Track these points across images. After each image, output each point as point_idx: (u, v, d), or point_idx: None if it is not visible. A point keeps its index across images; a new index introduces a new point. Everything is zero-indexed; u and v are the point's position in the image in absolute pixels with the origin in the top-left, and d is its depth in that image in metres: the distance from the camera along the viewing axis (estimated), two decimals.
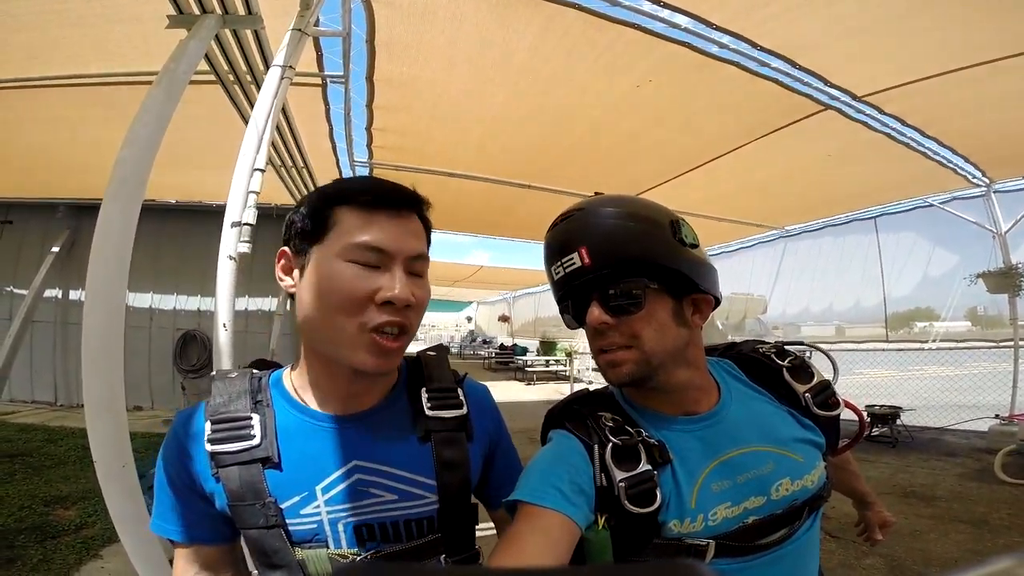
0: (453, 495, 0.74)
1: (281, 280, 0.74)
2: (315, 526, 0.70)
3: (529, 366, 14.55)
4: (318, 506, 0.70)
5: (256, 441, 0.69)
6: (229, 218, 2.09)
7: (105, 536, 3.28)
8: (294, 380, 0.77)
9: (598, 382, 0.92)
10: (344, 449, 0.73)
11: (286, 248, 0.74)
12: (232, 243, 2.08)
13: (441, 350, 0.88)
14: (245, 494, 0.68)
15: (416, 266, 0.72)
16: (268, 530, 0.68)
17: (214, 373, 0.79)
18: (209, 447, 0.69)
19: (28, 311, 7.10)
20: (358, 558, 0.70)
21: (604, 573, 0.35)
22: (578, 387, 1.00)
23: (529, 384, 12.71)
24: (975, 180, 6.12)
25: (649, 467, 0.71)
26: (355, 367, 0.68)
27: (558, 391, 11.29)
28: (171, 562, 2.22)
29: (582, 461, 0.73)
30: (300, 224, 0.72)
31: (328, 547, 0.70)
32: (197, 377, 7.54)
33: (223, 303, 2.07)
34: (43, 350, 7.75)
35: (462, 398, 0.81)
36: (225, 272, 2.09)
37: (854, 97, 3.95)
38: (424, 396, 0.79)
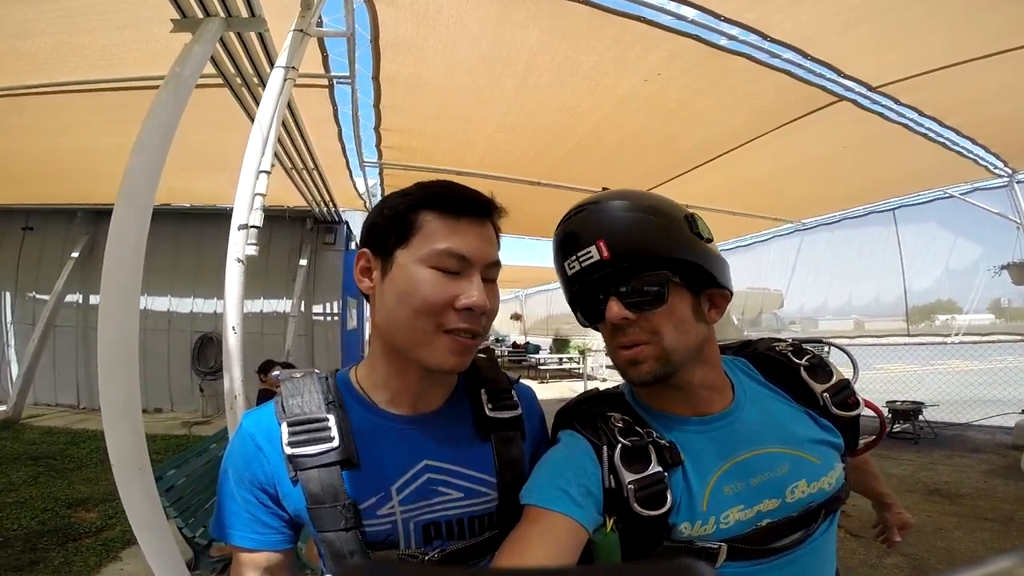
0: (511, 492, 0.73)
1: (359, 281, 0.75)
2: (390, 526, 0.70)
3: (542, 364, 14.54)
4: (393, 506, 0.71)
5: (335, 443, 0.70)
6: (236, 221, 2.10)
7: (124, 538, 3.33)
8: (361, 380, 0.78)
9: (612, 380, 0.90)
10: (416, 449, 0.74)
11: (366, 249, 0.74)
12: (240, 245, 2.10)
13: (490, 353, 0.90)
14: (325, 497, 0.68)
15: (491, 273, 0.72)
16: (346, 532, 0.68)
17: (278, 373, 0.80)
18: (288, 450, 0.69)
19: (50, 316, 7.30)
20: (426, 557, 0.71)
21: (603, 573, 0.34)
22: (592, 385, 0.98)
23: (543, 382, 12.70)
24: (997, 170, 5.98)
25: (660, 469, 0.70)
26: (432, 367, 0.69)
27: (572, 389, 11.24)
28: (188, 565, 2.24)
29: (590, 463, 0.72)
30: (384, 227, 0.72)
31: (399, 547, 0.71)
32: (215, 379, 7.67)
33: (232, 306, 2.09)
34: (65, 354, 7.96)
35: (516, 399, 0.83)
36: (233, 275, 2.10)
37: (869, 88, 3.86)
38: (484, 397, 0.80)
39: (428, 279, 0.68)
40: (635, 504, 0.67)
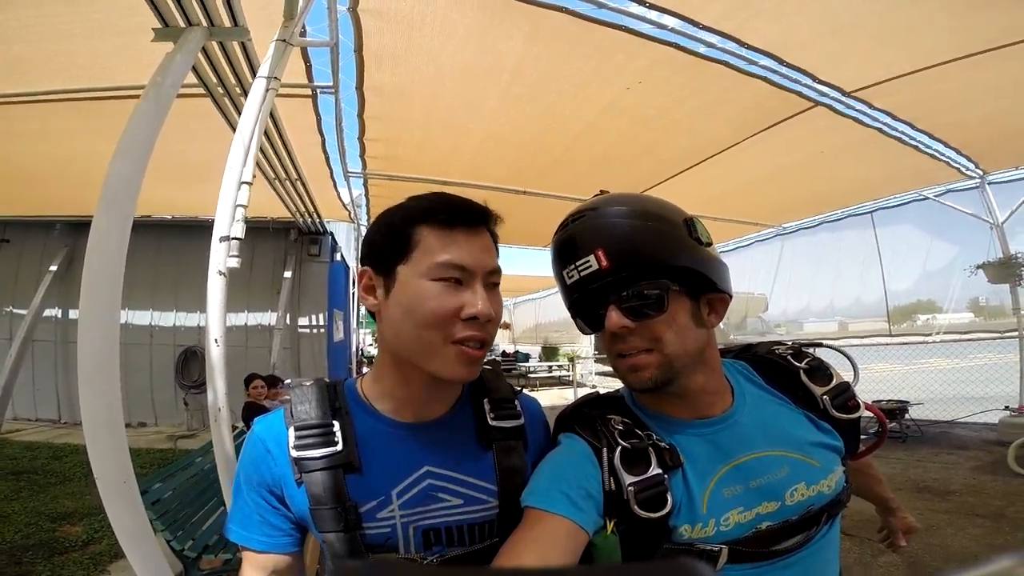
0: (512, 500, 0.74)
1: (364, 299, 0.77)
2: (389, 530, 0.72)
3: (532, 372, 14.53)
4: (393, 510, 0.73)
5: (339, 448, 0.72)
6: (217, 232, 2.07)
7: (112, 552, 3.29)
8: (366, 390, 0.80)
9: (602, 387, 0.91)
10: (418, 455, 0.76)
11: (368, 268, 0.76)
12: (221, 258, 2.07)
13: (496, 365, 0.92)
14: (326, 498, 0.70)
15: (492, 279, 0.73)
16: (346, 534, 0.70)
17: (289, 382, 0.83)
18: (294, 453, 0.72)
19: (28, 331, 7.17)
20: (424, 562, 0.73)
21: (602, 573, 0.35)
22: (582, 392, 0.99)
23: (533, 390, 12.66)
24: (969, 172, 6.12)
25: (660, 471, 0.70)
26: (444, 377, 0.70)
27: (562, 397, 11.27)
28: None
29: (590, 465, 0.72)
30: (382, 244, 0.74)
31: (398, 551, 0.73)
32: (199, 393, 7.55)
33: (214, 318, 2.06)
34: (45, 369, 7.80)
35: (519, 409, 0.84)
36: (215, 287, 2.08)
37: (844, 93, 3.94)
38: (487, 407, 0.82)
39: (432, 292, 0.69)
40: (635, 506, 0.67)
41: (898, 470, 4.98)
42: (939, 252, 7.36)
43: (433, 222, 0.71)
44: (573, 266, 0.74)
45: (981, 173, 6.21)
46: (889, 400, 6.69)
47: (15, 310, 7.83)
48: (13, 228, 7.96)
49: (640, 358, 0.73)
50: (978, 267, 6.33)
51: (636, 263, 0.71)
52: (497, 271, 0.74)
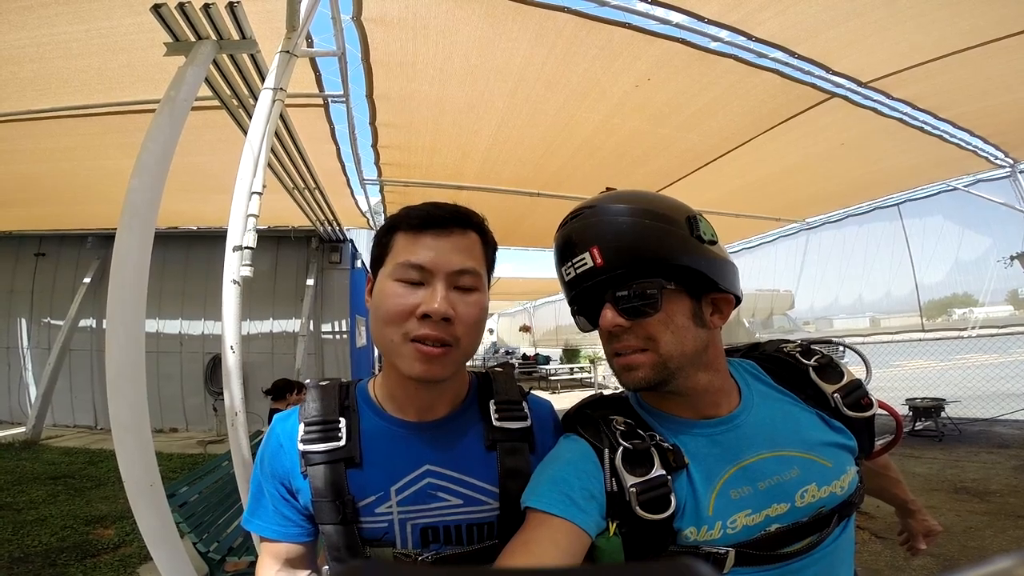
0: (514, 503, 0.74)
1: (368, 302, 0.81)
2: (386, 525, 0.75)
3: (553, 375, 14.48)
4: (391, 506, 0.75)
5: (342, 443, 0.76)
6: (231, 242, 2.13)
7: (141, 555, 3.39)
8: (376, 389, 0.84)
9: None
10: (418, 454, 0.78)
11: (370, 273, 0.82)
12: (235, 267, 2.12)
13: (507, 367, 0.94)
14: (328, 491, 0.73)
15: (462, 280, 0.74)
16: (344, 526, 0.73)
17: (307, 381, 0.87)
18: (301, 447, 0.76)
19: (65, 341, 7.45)
20: (420, 558, 0.75)
21: (603, 573, 0.35)
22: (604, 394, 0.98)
23: (554, 393, 12.61)
24: (998, 161, 5.92)
25: (663, 472, 0.69)
26: (405, 374, 0.73)
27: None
28: None
29: (592, 466, 0.72)
30: (373, 251, 0.81)
31: (395, 546, 0.75)
32: None
33: (229, 326, 2.12)
34: (81, 377, 8.10)
35: (527, 411, 0.85)
36: (230, 296, 2.13)
37: (859, 84, 3.85)
38: (492, 407, 0.83)
39: (392, 291, 0.72)
40: (637, 508, 0.67)
41: (934, 470, 4.82)
42: (971, 243, 7.11)
43: (405, 227, 0.75)
44: (570, 263, 0.75)
45: (1012, 162, 5.98)
46: (924, 398, 6.47)
47: (52, 321, 8.16)
48: (48, 242, 8.31)
49: (634, 357, 0.72)
50: (1012, 258, 6.09)
51: (630, 261, 0.71)
52: (468, 272, 0.74)
